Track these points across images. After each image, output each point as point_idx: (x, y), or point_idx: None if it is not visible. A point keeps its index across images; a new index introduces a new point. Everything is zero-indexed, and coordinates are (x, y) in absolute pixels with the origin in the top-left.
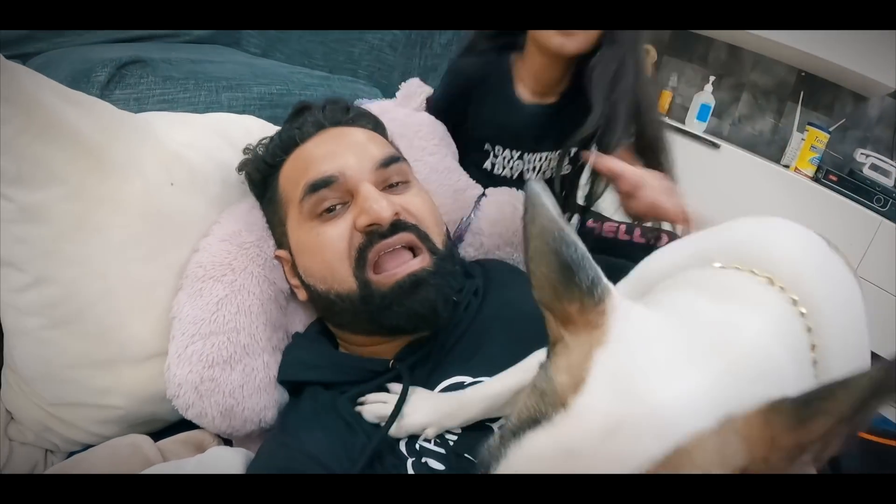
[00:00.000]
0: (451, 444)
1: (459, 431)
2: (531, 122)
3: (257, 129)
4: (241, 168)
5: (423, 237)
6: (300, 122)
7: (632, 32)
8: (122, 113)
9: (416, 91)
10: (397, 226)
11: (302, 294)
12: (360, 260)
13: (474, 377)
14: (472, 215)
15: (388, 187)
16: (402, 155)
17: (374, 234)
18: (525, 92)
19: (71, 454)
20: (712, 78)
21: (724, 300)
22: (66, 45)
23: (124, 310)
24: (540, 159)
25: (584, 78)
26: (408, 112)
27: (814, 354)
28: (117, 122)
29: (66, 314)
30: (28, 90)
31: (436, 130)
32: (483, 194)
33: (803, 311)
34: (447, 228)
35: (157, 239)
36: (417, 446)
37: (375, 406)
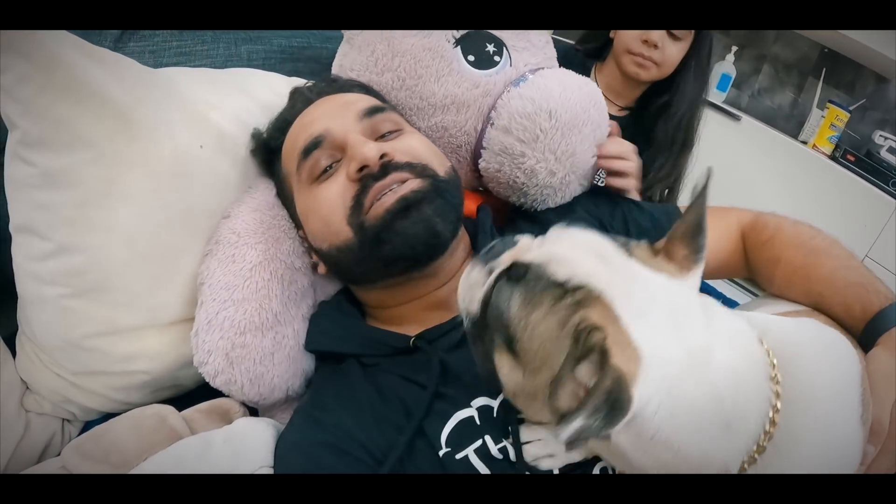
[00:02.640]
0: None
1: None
2: None
3: (282, 87)
4: (252, 153)
5: (420, 169)
6: (291, 103)
7: (696, 84)
8: (148, 70)
9: None
10: (388, 166)
11: (321, 267)
12: (356, 207)
13: None
14: (483, 125)
15: (380, 138)
16: (391, 106)
17: (367, 178)
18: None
19: (88, 423)
20: (734, 48)
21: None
22: None
23: (151, 276)
24: None
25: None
26: (360, 51)
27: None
28: (144, 81)
29: (91, 283)
30: (49, 46)
31: (397, 55)
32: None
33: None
34: (453, 167)
35: (185, 203)
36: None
37: (535, 445)
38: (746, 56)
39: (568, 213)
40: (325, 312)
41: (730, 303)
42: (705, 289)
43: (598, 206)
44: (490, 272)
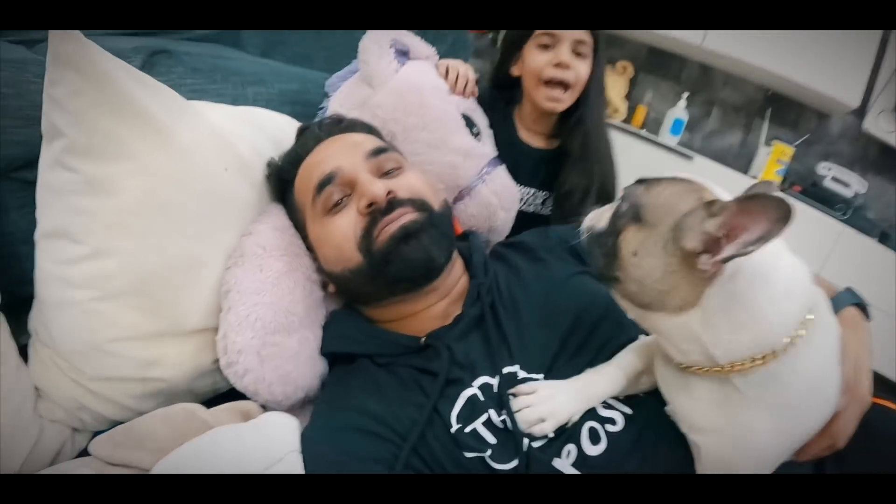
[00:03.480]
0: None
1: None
2: (525, 160)
3: (287, 126)
4: (267, 179)
5: (420, 205)
6: (303, 140)
7: (599, 97)
8: (182, 98)
9: (383, 64)
10: (394, 203)
11: (331, 287)
12: (366, 237)
13: (528, 371)
14: (476, 182)
15: (385, 175)
16: (392, 146)
17: (375, 212)
18: (524, 133)
19: (96, 433)
20: (685, 94)
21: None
22: None
23: (177, 285)
24: (528, 193)
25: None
26: (389, 97)
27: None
28: (180, 106)
29: (122, 287)
30: (102, 66)
31: (426, 106)
32: (493, 162)
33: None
34: (446, 199)
35: (210, 220)
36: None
37: (530, 412)
38: (697, 101)
39: (545, 237)
40: (339, 318)
41: None
42: None
43: (569, 232)
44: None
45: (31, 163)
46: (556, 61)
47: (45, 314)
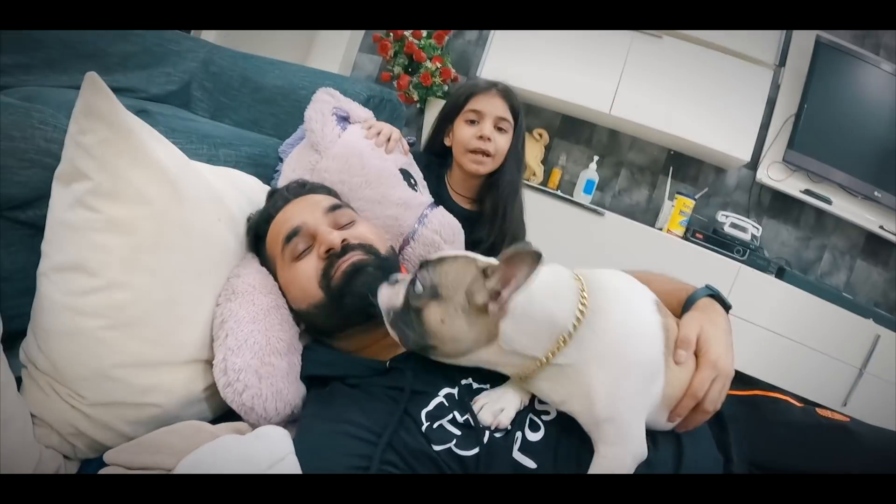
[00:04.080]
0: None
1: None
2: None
3: (257, 187)
4: (246, 233)
5: (368, 249)
6: (273, 202)
7: (515, 166)
8: (185, 157)
9: (327, 131)
10: (347, 248)
11: (301, 324)
12: (325, 277)
13: (478, 383)
14: (417, 226)
15: (341, 227)
16: (346, 204)
17: (332, 256)
18: (454, 195)
19: (83, 464)
20: (596, 157)
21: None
22: (30, 84)
23: (178, 318)
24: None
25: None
26: (334, 161)
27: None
28: (185, 162)
29: (129, 317)
30: (127, 120)
31: (367, 167)
32: (430, 206)
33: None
34: (392, 246)
35: (206, 262)
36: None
37: (487, 410)
38: (606, 163)
39: None
40: (314, 348)
41: None
42: None
43: None
44: (396, 282)
45: (26, 203)
46: (479, 134)
47: (48, 343)
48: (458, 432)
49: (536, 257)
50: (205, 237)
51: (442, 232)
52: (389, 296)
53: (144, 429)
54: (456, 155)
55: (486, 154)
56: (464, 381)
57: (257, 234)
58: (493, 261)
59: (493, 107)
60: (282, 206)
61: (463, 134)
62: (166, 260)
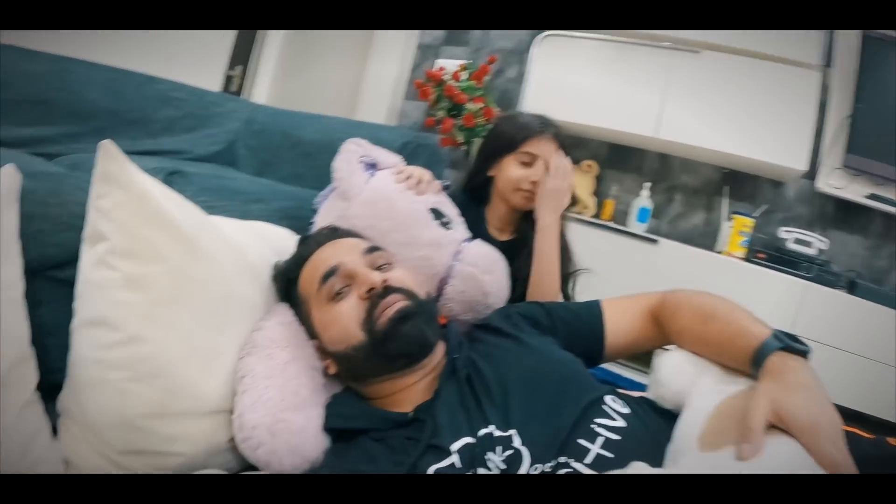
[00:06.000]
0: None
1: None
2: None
3: (286, 237)
4: (273, 280)
5: (410, 294)
6: (306, 245)
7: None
8: (202, 212)
9: (354, 179)
10: (388, 289)
11: (332, 368)
12: (369, 317)
13: (503, 430)
14: (454, 263)
15: (378, 269)
16: (381, 247)
17: (374, 297)
18: (492, 229)
19: None
20: (647, 184)
21: None
22: (81, 151)
23: (198, 369)
24: None
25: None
26: (362, 207)
27: None
28: (201, 218)
29: (151, 369)
30: (141, 183)
31: (395, 210)
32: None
33: None
34: (428, 292)
35: (227, 315)
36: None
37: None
38: (659, 189)
39: (508, 318)
40: (339, 400)
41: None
42: (605, 376)
43: (531, 307)
44: None
45: (63, 263)
46: (532, 179)
47: (80, 393)
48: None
49: None
50: (224, 290)
51: (479, 263)
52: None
53: None
54: (503, 190)
55: (534, 193)
56: (482, 432)
57: (288, 279)
58: None
59: (547, 150)
60: (315, 248)
61: (515, 174)
62: (184, 313)
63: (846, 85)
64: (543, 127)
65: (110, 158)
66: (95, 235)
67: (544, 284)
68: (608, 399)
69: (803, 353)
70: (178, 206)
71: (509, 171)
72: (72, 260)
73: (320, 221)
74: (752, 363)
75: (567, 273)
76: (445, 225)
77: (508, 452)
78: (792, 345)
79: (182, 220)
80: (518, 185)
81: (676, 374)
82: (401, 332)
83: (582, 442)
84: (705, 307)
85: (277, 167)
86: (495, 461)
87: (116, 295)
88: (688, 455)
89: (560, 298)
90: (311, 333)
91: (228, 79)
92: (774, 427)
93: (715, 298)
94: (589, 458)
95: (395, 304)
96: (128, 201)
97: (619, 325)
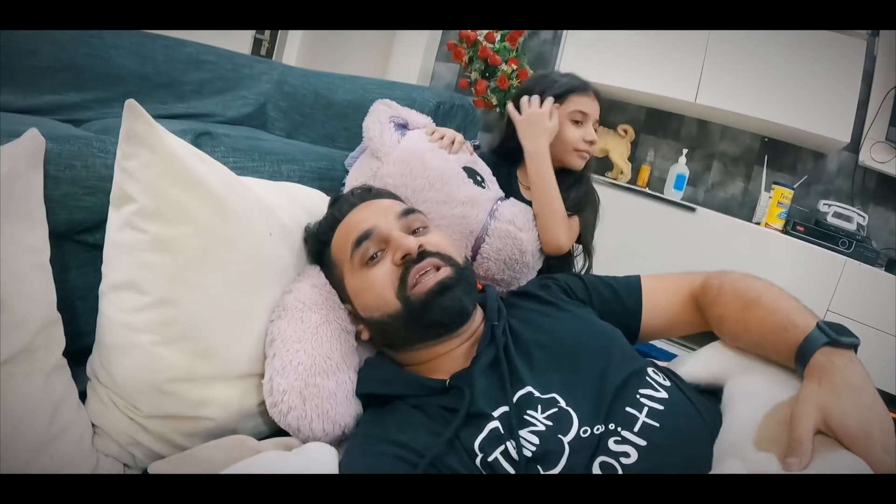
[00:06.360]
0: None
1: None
2: None
3: (318, 198)
4: (305, 242)
5: (446, 258)
6: (338, 206)
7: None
8: (232, 173)
9: (385, 138)
10: (424, 254)
11: (365, 334)
12: (402, 284)
13: (542, 393)
14: (490, 221)
15: (413, 233)
16: (417, 209)
17: (408, 262)
18: (524, 190)
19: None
20: (685, 150)
21: None
22: (111, 116)
23: (228, 333)
24: None
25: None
26: (395, 165)
27: None
28: (231, 179)
29: (180, 333)
30: (168, 143)
31: (428, 168)
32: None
33: None
34: (466, 256)
35: (258, 277)
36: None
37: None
38: (697, 156)
39: (547, 287)
40: (372, 364)
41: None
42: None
43: (569, 279)
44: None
45: (92, 227)
46: (589, 139)
47: (108, 358)
48: (511, 470)
49: None
50: (254, 252)
51: (516, 220)
52: None
53: (200, 441)
54: (557, 151)
55: (590, 154)
56: (520, 393)
57: (320, 241)
58: None
59: (594, 109)
60: (348, 210)
61: (571, 134)
62: (213, 276)
63: (893, 55)
64: (585, 85)
65: (136, 118)
66: (122, 197)
67: (547, 214)
68: (650, 371)
69: (851, 346)
70: (207, 167)
71: (564, 132)
72: (100, 223)
73: (350, 181)
74: (796, 359)
75: (593, 223)
76: (480, 183)
77: (553, 410)
78: (839, 339)
79: (211, 181)
80: (575, 145)
81: (718, 360)
82: (439, 304)
83: (630, 410)
84: (749, 293)
85: (309, 128)
86: (538, 418)
87: (144, 257)
88: (746, 452)
89: (566, 223)
90: (344, 297)
91: (257, 42)
92: (823, 434)
93: (760, 283)
94: (637, 427)
95: (432, 271)
96: (154, 161)
97: (657, 306)
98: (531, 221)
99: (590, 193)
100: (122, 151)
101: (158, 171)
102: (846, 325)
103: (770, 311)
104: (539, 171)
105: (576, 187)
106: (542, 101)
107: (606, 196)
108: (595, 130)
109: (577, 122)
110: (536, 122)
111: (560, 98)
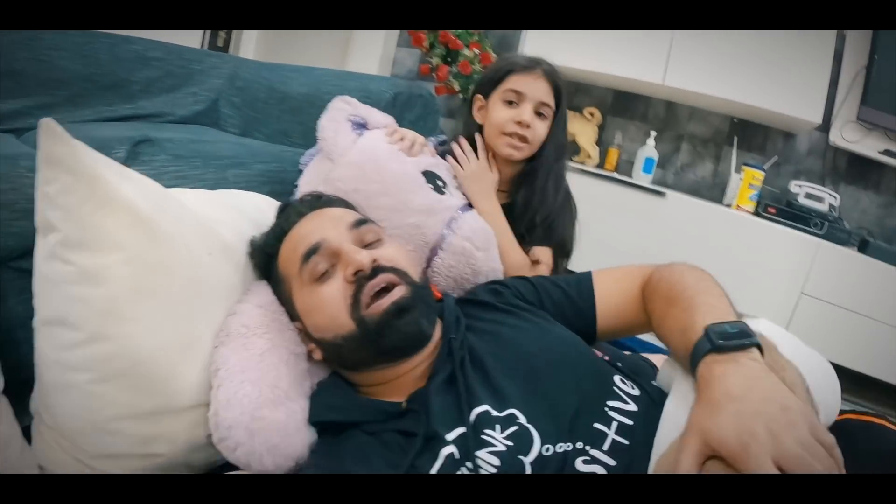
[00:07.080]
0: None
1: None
2: None
3: (265, 206)
4: (250, 256)
5: (401, 274)
6: (285, 216)
7: (556, 157)
8: (164, 190)
9: (340, 139)
10: (377, 269)
11: (317, 354)
12: (355, 304)
13: (499, 410)
14: (446, 233)
15: (366, 246)
16: (370, 219)
17: (361, 279)
18: None
19: None
20: (653, 133)
21: None
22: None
23: (171, 364)
24: None
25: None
26: (348, 168)
27: None
28: (163, 197)
29: (118, 369)
30: (89, 164)
31: (383, 171)
32: (460, 210)
33: None
34: (420, 268)
35: (198, 301)
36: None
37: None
38: (665, 138)
39: (497, 293)
40: (326, 388)
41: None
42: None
43: (517, 282)
44: None
45: (27, 252)
46: (518, 119)
47: (47, 397)
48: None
49: None
50: (191, 275)
51: (475, 238)
52: None
53: None
54: (488, 136)
55: (523, 140)
56: (476, 411)
57: (266, 254)
58: None
59: (536, 89)
60: (296, 220)
61: (499, 115)
62: (148, 305)
63: (863, 34)
64: (531, 63)
65: (53, 139)
66: (46, 225)
67: (507, 264)
68: (617, 380)
69: (739, 347)
70: (135, 186)
71: (494, 112)
72: (32, 249)
73: (305, 184)
74: (691, 368)
75: (570, 236)
76: (440, 189)
77: (513, 429)
78: (723, 344)
79: (138, 203)
80: (502, 127)
81: (670, 364)
82: (396, 327)
83: (598, 426)
84: (675, 287)
85: (263, 124)
86: (497, 438)
87: (72, 290)
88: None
89: (526, 268)
90: (293, 315)
91: (213, 33)
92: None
93: (693, 276)
94: (606, 445)
95: (385, 286)
96: (75, 185)
97: (610, 305)
98: (490, 241)
99: (564, 216)
100: (42, 176)
101: (80, 196)
102: (755, 336)
103: (683, 309)
104: (494, 228)
105: (552, 222)
106: (476, 149)
107: (574, 182)
108: (543, 115)
109: (510, 103)
110: (480, 178)
111: (499, 81)
